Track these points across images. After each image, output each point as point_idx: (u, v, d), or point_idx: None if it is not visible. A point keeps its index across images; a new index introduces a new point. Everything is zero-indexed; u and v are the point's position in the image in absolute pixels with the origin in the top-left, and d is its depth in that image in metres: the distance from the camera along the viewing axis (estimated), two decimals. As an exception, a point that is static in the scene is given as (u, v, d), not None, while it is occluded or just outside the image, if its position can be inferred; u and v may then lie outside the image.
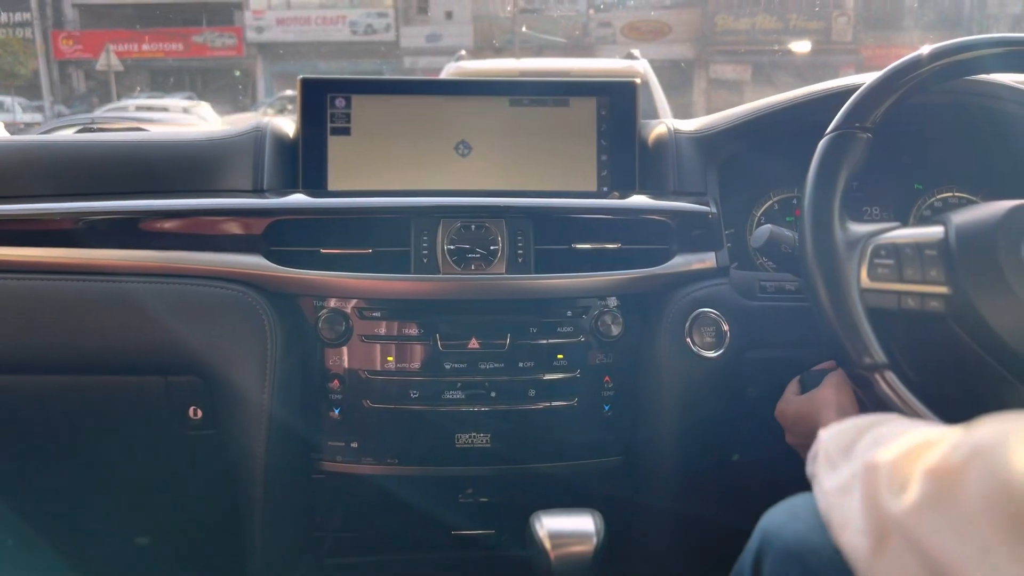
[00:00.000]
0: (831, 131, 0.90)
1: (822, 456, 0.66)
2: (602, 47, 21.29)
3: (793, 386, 0.99)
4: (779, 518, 0.76)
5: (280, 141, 1.23)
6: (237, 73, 23.84)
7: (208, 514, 1.26)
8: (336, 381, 1.10)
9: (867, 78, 1.17)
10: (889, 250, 0.84)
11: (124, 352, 1.08)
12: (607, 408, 1.13)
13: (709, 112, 1.34)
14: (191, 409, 1.13)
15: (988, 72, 0.99)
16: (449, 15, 23.46)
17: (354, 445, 1.11)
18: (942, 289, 0.83)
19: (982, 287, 0.81)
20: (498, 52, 21.40)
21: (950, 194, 1.33)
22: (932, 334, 0.85)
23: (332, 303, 1.10)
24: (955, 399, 0.90)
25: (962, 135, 1.25)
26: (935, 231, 0.87)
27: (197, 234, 1.12)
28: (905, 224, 1.30)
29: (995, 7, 18.89)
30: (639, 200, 1.19)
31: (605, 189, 1.26)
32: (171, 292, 1.08)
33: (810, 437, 0.87)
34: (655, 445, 1.13)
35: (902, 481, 0.50)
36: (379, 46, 23.32)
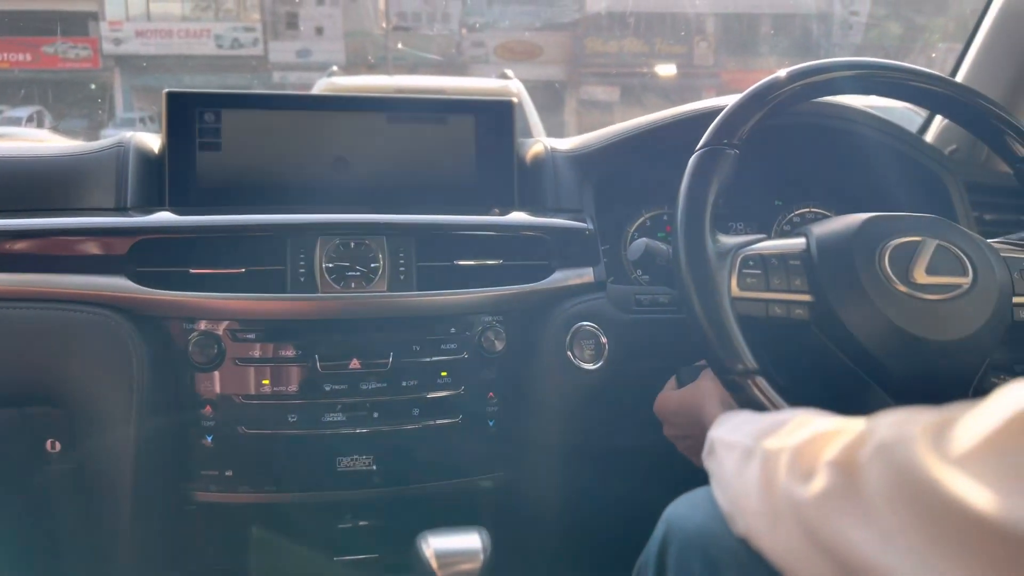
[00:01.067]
0: (701, 147, 0.94)
1: (720, 443, 0.69)
2: (475, 66, 21.48)
3: (671, 382, 1.02)
4: (682, 509, 0.79)
5: (145, 156, 1.18)
6: (93, 87, 22.63)
7: (71, 553, 1.18)
8: (208, 407, 1.05)
9: (729, 100, 1.24)
10: (757, 261, 0.89)
11: None
12: (492, 424, 1.13)
13: (581, 132, 1.37)
14: (48, 442, 1.05)
15: (842, 93, 1.06)
16: (320, 31, 23.09)
17: (229, 473, 1.06)
18: (805, 297, 0.88)
19: (841, 294, 0.86)
20: (371, 69, 21.23)
21: (807, 210, 1.41)
22: (798, 340, 0.90)
23: (203, 325, 1.05)
24: (821, 401, 0.95)
25: (818, 155, 1.34)
26: (798, 242, 0.92)
27: (55, 255, 1.04)
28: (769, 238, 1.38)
29: (839, 37, 20.28)
30: (519, 217, 1.20)
31: (485, 206, 1.27)
32: (26, 317, 1.01)
33: (691, 427, 0.90)
34: (540, 457, 1.14)
35: (805, 469, 0.52)
36: (247, 61, 22.68)
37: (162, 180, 1.18)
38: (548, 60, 21.74)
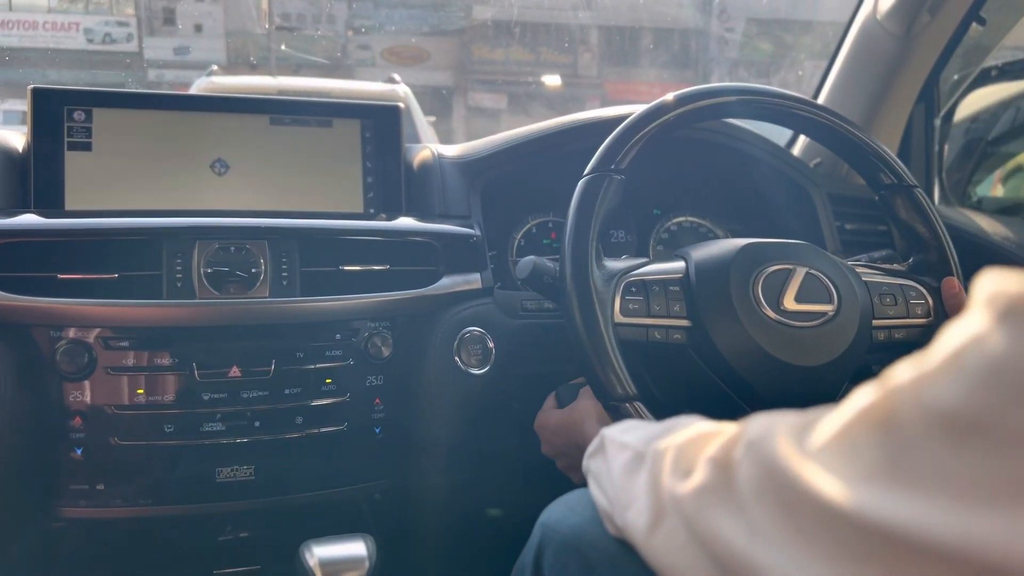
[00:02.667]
0: (587, 173, 0.96)
1: (611, 442, 0.70)
2: (361, 69, 21.22)
3: (550, 400, 1.04)
4: (557, 513, 0.80)
5: (7, 155, 1.11)
6: (-53, 79, 21.08)
7: None
8: (78, 418, 1.00)
9: (616, 111, 1.27)
10: (639, 287, 0.92)
11: None
12: (378, 431, 1.12)
13: (469, 138, 1.38)
14: None
15: (726, 117, 1.10)
16: (199, 28, 22.28)
17: (100, 487, 1.01)
18: (683, 322, 0.92)
19: (715, 319, 0.90)
20: (253, 69, 20.63)
21: (684, 219, 1.47)
22: (676, 364, 0.94)
23: (72, 333, 1.00)
24: None
25: (695, 166, 1.39)
26: (678, 266, 0.96)
27: None
28: (645, 248, 1.43)
29: (716, 51, 21.14)
30: (406, 222, 1.19)
31: (372, 211, 1.26)
32: None
33: (569, 447, 0.92)
34: (426, 463, 1.14)
35: (687, 466, 0.54)
36: (120, 57, 21.63)
37: (27, 180, 1.12)
38: (435, 66, 21.73)
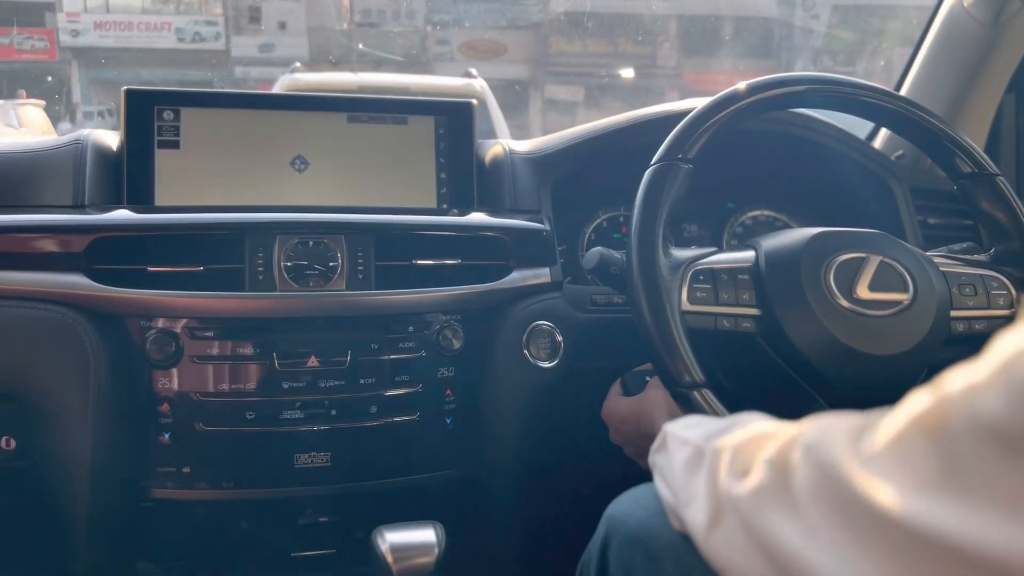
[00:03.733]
0: (655, 162, 0.96)
1: (672, 438, 0.71)
2: (440, 64, 21.44)
3: (616, 387, 1.04)
4: (623, 506, 0.81)
5: (103, 154, 1.17)
6: (49, 79, 22.16)
7: (27, 552, 1.17)
8: (166, 404, 1.06)
9: (688, 104, 1.27)
10: (707, 275, 0.92)
11: None
12: (449, 421, 1.15)
13: (545, 130, 1.40)
14: (3, 439, 1.05)
15: (797, 107, 1.08)
16: (283, 26, 22.87)
17: (186, 470, 1.06)
18: (753, 311, 0.91)
19: (787, 308, 0.89)
20: (335, 65, 21.08)
21: (759, 212, 1.45)
22: (745, 352, 0.93)
23: (161, 323, 1.05)
24: (768, 411, 0.98)
25: (770, 159, 1.37)
26: (747, 256, 0.95)
27: (12, 252, 1.04)
28: (719, 241, 1.42)
29: (800, 40, 20.60)
30: (477, 217, 1.22)
31: (444, 206, 1.29)
32: None
33: (638, 436, 0.93)
34: (496, 454, 1.16)
35: (744, 466, 0.55)
36: (208, 55, 22.38)
37: (120, 178, 1.18)
38: (512, 59, 21.77)
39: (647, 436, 0.88)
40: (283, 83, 5.46)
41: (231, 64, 22.43)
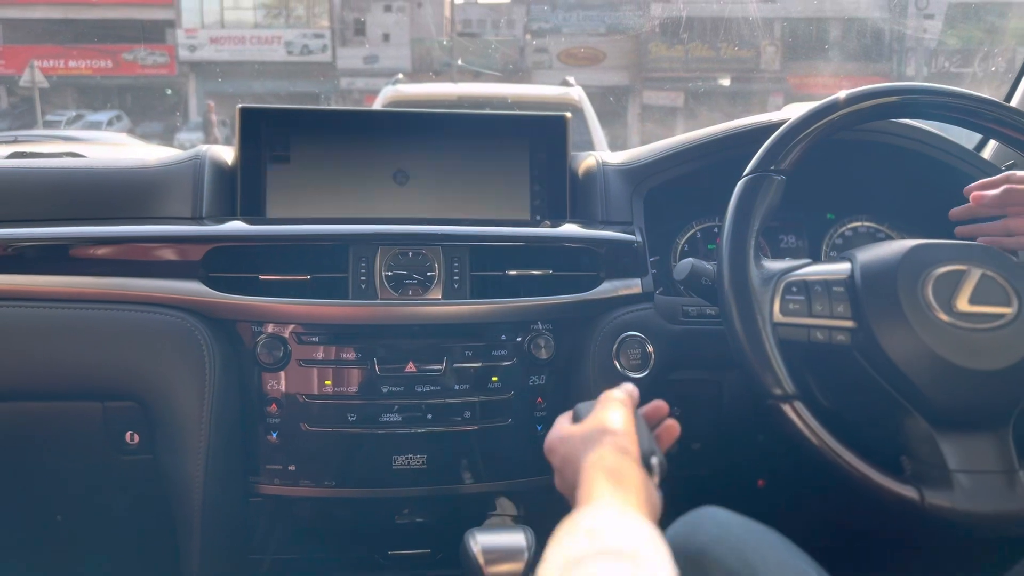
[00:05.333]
0: (748, 173, 0.97)
1: (563, 529, 0.61)
2: (538, 72, 21.54)
3: (565, 419, 0.83)
4: (680, 530, 0.80)
5: (219, 168, 1.25)
6: (168, 92, 23.38)
7: (145, 539, 1.26)
8: (274, 405, 1.12)
9: (783, 115, 1.26)
10: (800, 287, 0.91)
11: (61, 379, 1.09)
12: (540, 428, 1.18)
13: (643, 137, 1.41)
14: (128, 434, 1.13)
15: (895, 118, 1.06)
16: (386, 37, 23.46)
17: (292, 468, 1.13)
18: (848, 323, 0.90)
19: (883, 321, 0.88)
20: (436, 75, 21.48)
21: (860, 224, 1.42)
22: (840, 365, 0.92)
23: (270, 328, 1.11)
24: (862, 425, 0.97)
25: (872, 170, 1.34)
26: (842, 268, 0.94)
27: (136, 260, 1.13)
28: (817, 252, 1.39)
29: (912, 41, 19.74)
30: (569, 229, 1.24)
31: (538, 218, 1.32)
32: (109, 318, 1.09)
33: (564, 464, 0.77)
34: None
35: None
36: (315, 67, 23.15)
37: (235, 191, 1.26)
38: (611, 65, 21.68)
39: (572, 466, 0.74)
40: (386, 94, 5.61)
41: (337, 75, 23.15)
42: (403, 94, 5.67)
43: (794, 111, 1.05)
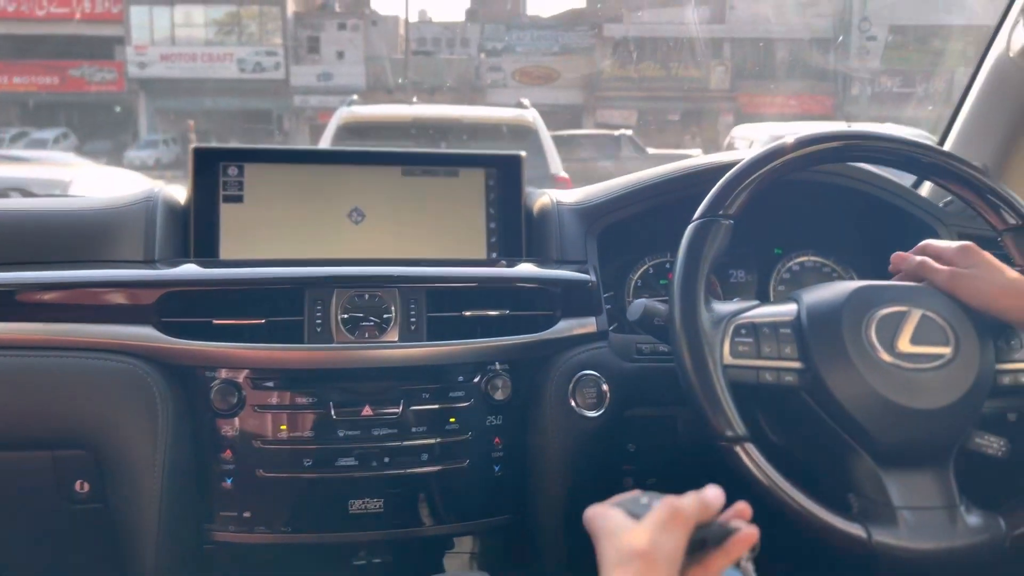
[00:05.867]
0: (696, 218, 0.99)
1: None
2: (494, 91, 21.68)
3: (620, 506, 0.74)
4: None
5: (171, 209, 1.24)
6: (117, 109, 23.01)
7: None
8: (228, 451, 1.11)
9: (733, 156, 1.29)
10: (748, 329, 0.94)
11: (9, 428, 1.06)
12: (497, 468, 1.18)
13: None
14: (78, 483, 1.11)
15: (838, 162, 1.09)
16: (341, 55, 23.41)
17: (247, 515, 1.11)
18: (795, 364, 0.93)
19: (829, 362, 0.91)
20: (390, 93, 21.49)
21: (807, 258, 1.46)
22: (789, 404, 0.95)
23: (224, 373, 1.10)
24: (812, 463, 1.00)
25: (817, 207, 1.38)
26: (789, 309, 0.97)
27: (87, 305, 1.11)
28: (766, 287, 1.43)
29: (856, 60, 20.30)
30: (525, 269, 1.25)
31: (494, 255, 1.33)
32: (59, 366, 1.07)
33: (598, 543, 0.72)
34: (543, 501, 1.19)
35: None
36: (269, 84, 23.01)
37: (188, 231, 1.25)
38: (566, 84, 21.91)
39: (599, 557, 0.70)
40: (340, 115, 5.61)
41: (290, 92, 23.03)
42: (358, 115, 5.67)
43: (741, 153, 1.08)
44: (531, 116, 5.59)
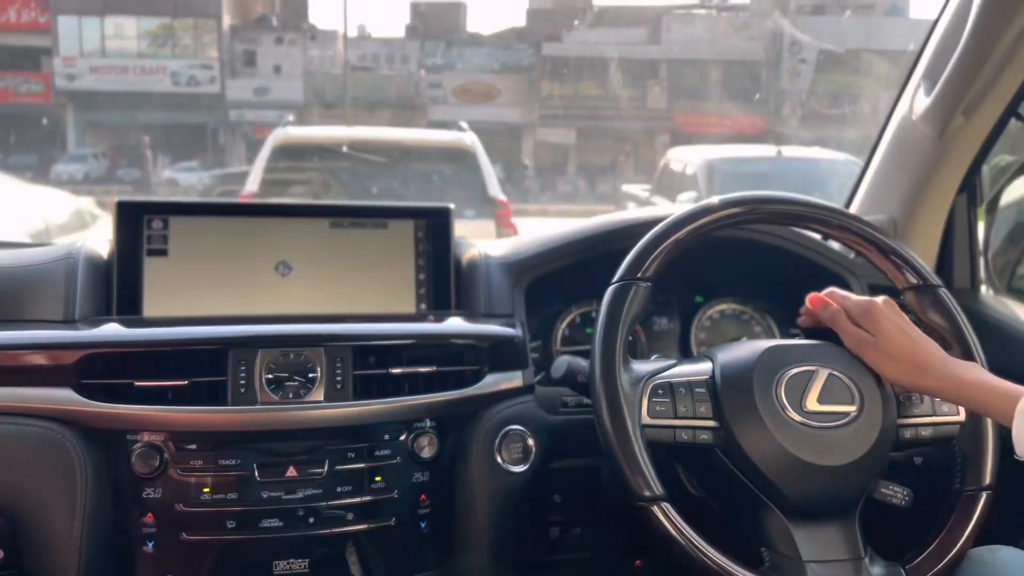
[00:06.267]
0: (615, 281, 1.02)
1: None
2: (434, 107, 21.68)
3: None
4: None
5: (93, 264, 1.22)
6: (45, 121, 22.32)
7: None
8: (150, 514, 1.09)
9: (657, 213, 1.32)
10: (665, 388, 0.97)
11: None
12: (424, 525, 1.19)
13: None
14: None
15: (750, 225, 1.13)
16: (278, 69, 23.14)
17: None
18: (710, 423, 0.97)
19: (741, 421, 0.95)
20: (328, 108, 21.31)
21: (726, 306, 1.51)
22: (705, 461, 0.99)
23: (146, 436, 1.09)
24: (731, 520, 1.03)
25: (737, 258, 1.43)
26: (704, 368, 1.01)
27: (2, 367, 1.08)
28: (688, 334, 1.47)
29: (787, 82, 20.89)
30: (453, 324, 1.26)
31: (423, 307, 1.33)
32: None
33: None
34: (471, 556, 1.20)
35: None
36: (203, 98, 22.59)
37: (110, 288, 1.23)
38: (506, 102, 22.03)
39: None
40: (276, 137, 5.55)
41: (226, 107, 22.65)
42: (293, 137, 5.63)
43: (665, 210, 1.12)
44: (469, 139, 5.62)
